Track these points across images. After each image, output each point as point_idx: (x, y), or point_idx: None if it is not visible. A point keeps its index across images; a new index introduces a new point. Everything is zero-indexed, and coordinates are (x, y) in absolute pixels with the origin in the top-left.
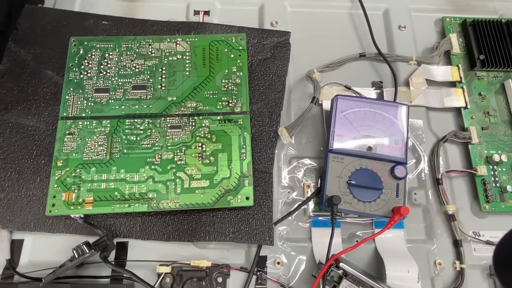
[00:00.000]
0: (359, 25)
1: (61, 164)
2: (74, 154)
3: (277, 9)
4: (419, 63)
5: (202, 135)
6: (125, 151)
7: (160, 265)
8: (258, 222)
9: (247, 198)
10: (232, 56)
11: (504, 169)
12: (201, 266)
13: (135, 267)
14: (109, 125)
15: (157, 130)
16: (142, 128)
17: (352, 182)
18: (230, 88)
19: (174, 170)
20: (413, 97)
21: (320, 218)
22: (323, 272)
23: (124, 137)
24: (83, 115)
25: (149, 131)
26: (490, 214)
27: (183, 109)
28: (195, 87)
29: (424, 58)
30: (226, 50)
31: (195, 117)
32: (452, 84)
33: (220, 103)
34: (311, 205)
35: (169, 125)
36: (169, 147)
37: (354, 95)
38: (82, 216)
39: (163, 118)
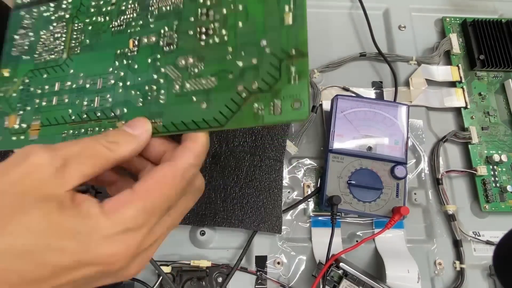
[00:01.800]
0: (359, 25)
1: (8, 74)
2: (24, 57)
3: None
4: (419, 63)
5: None
6: (87, 41)
7: (160, 265)
8: (268, 210)
9: (300, 104)
10: None
11: (504, 169)
12: (201, 266)
13: None
14: (70, 6)
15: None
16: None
17: (352, 182)
18: None
19: (158, 63)
20: (413, 97)
21: (320, 218)
22: (323, 272)
23: (87, 20)
24: None
25: (124, 3)
26: (490, 214)
27: None
28: None
29: (424, 58)
30: None
31: None
32: (452, 84)
33: None
34: (311, 205)
35: None
36: (153, 23)
37: (354, 95)
38: None
39: None
